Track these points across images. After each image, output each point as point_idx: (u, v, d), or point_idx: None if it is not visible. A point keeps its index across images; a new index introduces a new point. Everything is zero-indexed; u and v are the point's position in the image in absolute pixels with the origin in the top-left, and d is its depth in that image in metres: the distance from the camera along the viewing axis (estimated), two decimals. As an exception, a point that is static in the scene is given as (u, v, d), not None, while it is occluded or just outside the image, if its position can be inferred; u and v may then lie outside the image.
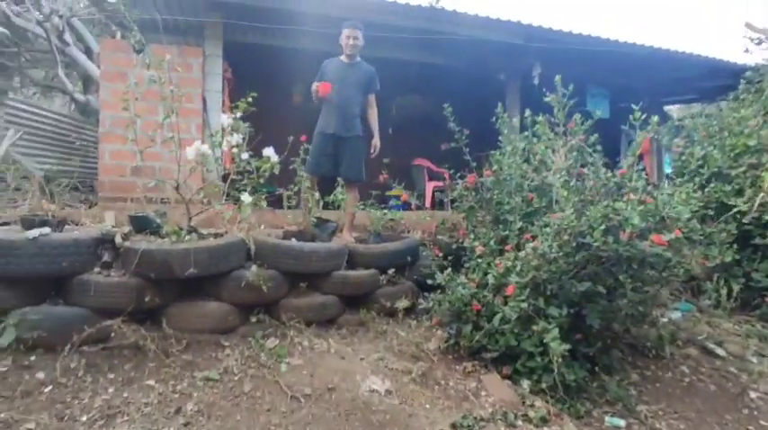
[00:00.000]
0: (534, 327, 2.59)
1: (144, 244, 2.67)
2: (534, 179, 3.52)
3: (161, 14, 5.11)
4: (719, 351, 3.45)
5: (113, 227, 3.04)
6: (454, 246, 3.75)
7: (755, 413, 2.87)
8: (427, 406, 2.47)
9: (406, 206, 5.41)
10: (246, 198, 2.93)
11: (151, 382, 2.36)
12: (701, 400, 2.93)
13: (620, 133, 6.85)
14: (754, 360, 3.39)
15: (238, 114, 3.09)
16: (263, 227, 3.84)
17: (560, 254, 2.66)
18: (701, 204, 3.59)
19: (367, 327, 3.24)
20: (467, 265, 3.37)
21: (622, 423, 2.60)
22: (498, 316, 2.72)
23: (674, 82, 7.63)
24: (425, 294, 3.52)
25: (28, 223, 2.68)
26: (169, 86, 3.06)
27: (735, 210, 4.06)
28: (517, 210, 3.42)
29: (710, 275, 4.10)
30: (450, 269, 3.15)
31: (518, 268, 2.77)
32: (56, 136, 5.99)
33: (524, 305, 2.62)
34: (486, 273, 3.00)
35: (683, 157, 4.82)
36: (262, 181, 3.10)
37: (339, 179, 4.23)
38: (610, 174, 3.23)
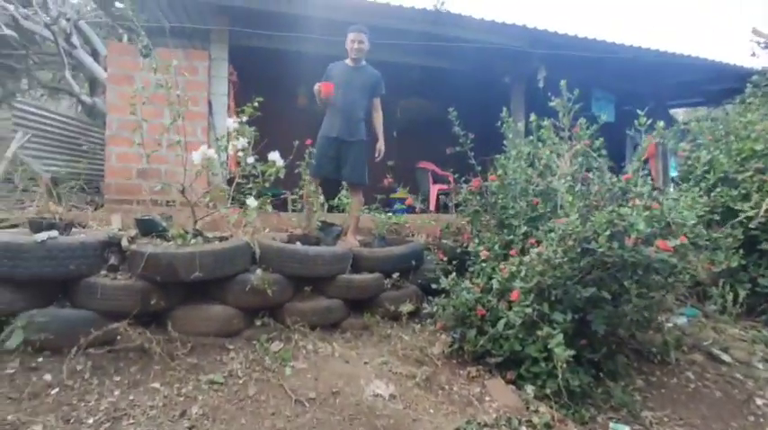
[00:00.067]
0: (539, 333, 2.58)
1: (150, 247, 2.69)
2: (539, 184, 3.51)
3: (168, 20, 5.15)
4: (725, 357, 3.42)
5: (120, 230, 3.07)
6: (459, 251, 3.74)
7: (761, 420, 2.85)
8: (431, 411, 2.46)
9: (410, 209, 5.40)
10: (252, 202, 2.94)
11: (156, 385, 2.37)
12: (707, 407, 2.91)
13: (625, 137, 6.81)
14: (761, 366, 3.36)
15: (244, 118, 3.11)
16: (267, 230, 3.85)
17: (565, 259, 2.65)
18: (707, 209, 3.57)
19: (371, 331, 3.24)
20: (471, 270, 3.36)
21: (627, 429, 2.59)
22: (503, 321, 2.71)
23: (679, 85, 7.58)
24: (430, 298, 3.50)
25: (36, 226, 2.70)
26: (176, 91, 3.08)
27: (741, 215, 4.02)
28: (522, 214, 3.41)
29: (716, 281, 4.07)
30: (454, 273, 3.14)
31: (523, 273, 2.76)
32: (63, 138, 6.02)
33: (529, 310, 2.61)
34: (490, 278, 2.99)
35: (689, 162, 4.79)
36: (267, 184, 3.11)
37: (343, 182, 4.25)
38: (615, 179, 3.21)
